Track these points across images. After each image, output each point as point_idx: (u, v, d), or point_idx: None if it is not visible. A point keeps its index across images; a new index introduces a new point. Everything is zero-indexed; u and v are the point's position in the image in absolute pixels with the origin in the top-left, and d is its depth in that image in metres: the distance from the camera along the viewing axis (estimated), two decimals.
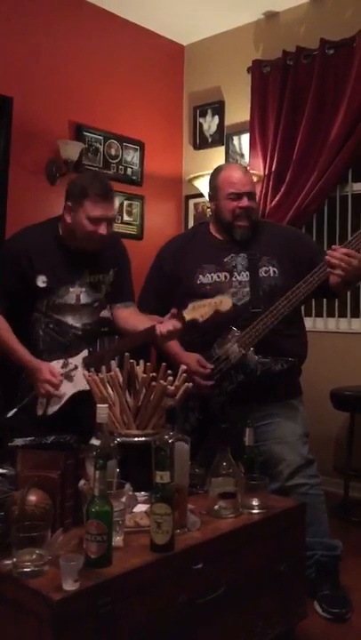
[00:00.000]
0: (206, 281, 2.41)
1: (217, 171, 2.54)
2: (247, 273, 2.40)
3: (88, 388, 2.14)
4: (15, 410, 2.29)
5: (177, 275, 2.47)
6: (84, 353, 2.32)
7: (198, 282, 2.41)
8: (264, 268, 2.41)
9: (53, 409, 2.28)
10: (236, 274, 2.40)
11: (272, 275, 2.41)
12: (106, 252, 2.43)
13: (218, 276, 2.41)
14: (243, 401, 2.32)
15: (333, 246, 2.25)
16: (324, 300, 3.96)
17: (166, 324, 2.16)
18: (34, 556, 1.44)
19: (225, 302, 2.13)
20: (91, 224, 2.27)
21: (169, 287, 2.48)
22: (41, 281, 2.31)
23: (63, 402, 2.28)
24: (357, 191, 3.85)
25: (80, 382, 2.26)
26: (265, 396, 2.36)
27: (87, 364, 2.29)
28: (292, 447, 2.35)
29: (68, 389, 2.28)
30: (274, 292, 2.36)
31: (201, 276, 2.42)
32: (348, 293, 3.85)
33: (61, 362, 2.31)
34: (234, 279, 2.40)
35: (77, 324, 2.38)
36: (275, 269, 2.41)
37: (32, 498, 1.58)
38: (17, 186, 3.55)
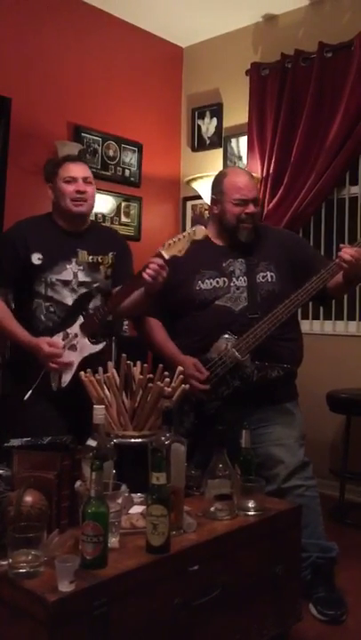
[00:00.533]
0: (205, 287, 2.41)
1: (222, 175, 2.53)
2: (245, 278, 2.40)
3: (94, 350, 2.31)
4: (30, 392, 2.31)
5: (175, 281, 2.42)
6: (80, 320, 2.35)
7: (197, 288, 2.41)
8: (262, 274, 2.42)
9: (66, 380, 2.31)
10: (234, 279, 2.41)
11: (270, 280, 2.42)
12: (103, 236, 2.54)
13: (217, 282, 2.41)
14: (239, 404, 2.32)
15: (342, 245, 2.30)
16: None
17: (150, 266, 2.19)
18: (29, 557, 1.43)
19: (198, 231, 2.20)
20: (68, 185, 2.40)
21: (166, 293, 2.43)
22: (36, 258, 2.37)
23: (74, 370, 2.30)
24: (355, 194, 3.86)
25: (85, 348, 2.33)
26: (261, 399, 2.37)
27: (85, 329, 2.34)
28: (289, 450, 2.35)
29: (75, 358, 2.32)
30: (271, 297, 2.37)
31: (200, 282, 2.41)
32: (346, 296, 3.86)
33: (61, 334, 2.34)
34: (232, 284, 2.40)
35: None
36: (272, 274, 2.42)
37: (28, 498, 1.58)
38: (15, 186, 3.55)
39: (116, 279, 2.51)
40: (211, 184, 2.60)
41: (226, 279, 2.41)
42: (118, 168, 4.19)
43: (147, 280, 2.20)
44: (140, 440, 1.93)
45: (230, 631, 1.75)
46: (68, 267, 2.40)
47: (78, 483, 1.70)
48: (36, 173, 3.67)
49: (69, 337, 2.33)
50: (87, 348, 2.33)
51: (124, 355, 2.05)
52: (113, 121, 4.13)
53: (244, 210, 2.41)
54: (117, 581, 1.44)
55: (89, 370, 2.05)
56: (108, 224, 4.07)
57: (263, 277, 2.42)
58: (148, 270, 2.19)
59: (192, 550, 1.64)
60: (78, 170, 2.45)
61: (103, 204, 4.04)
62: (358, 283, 2.44)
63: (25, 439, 1.87)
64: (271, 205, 3.88)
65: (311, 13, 3.95)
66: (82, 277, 2.41)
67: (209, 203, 3.94)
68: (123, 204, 4.20)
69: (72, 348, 2.33)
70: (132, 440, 1.94)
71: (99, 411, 1.74)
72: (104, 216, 4.07)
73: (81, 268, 2.41)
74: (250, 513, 1.87)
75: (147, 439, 1.90)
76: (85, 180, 2.44)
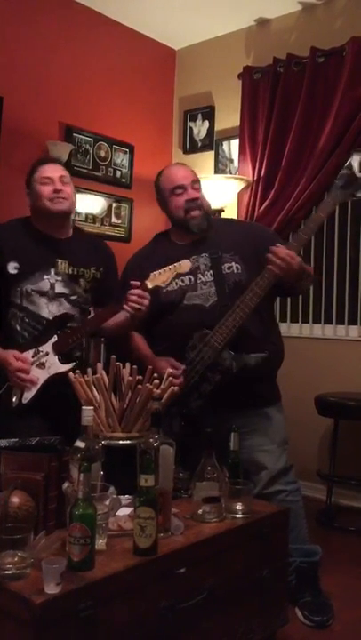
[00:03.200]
0: (172, 288, 2.37)
1: (158, 176, 2.51)
2: (211, 272, 2.38)
3: (61, 370, 2.23)
4: None
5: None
6: (54, 339, 2.30)
7: (165, 290, 2.36)
8: (227, 265, 2.39)
9: (28, 396, 2.26)
10: (200, 275, 2.38)
11: (235, 271, 2.38)
12: (87, 247, 2.46)
13: (182, 281, 2.38)
14: (223, 406, 2.29)
15: (278, 244, 2.28)
16: (310, 306, 3.99)
17: (131, 298, 2.17)
18: (16, 559, 1.42)
19: (184, 264, 2.20)
20: (45, 186, 2.34)
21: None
22: (12, 267, 2.31)
23: (37, 388, 2.26)
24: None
25: (53, 367, 2.27)
26: (245, 402, 2.34)
27: (56, 347, 2.29)
28: (272, 455, 2.33)
29: (41, 375, 2.27)
30: (239, 288, 2.33)
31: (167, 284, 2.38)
32: (334, 300, 3.88)
33: (32, 352, 2.29)
34: (199, 281, 2.37)
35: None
36: (238, 265, 2.39)
37: (15, 499, 1.58)
38: (5, 186, 3.53)
39: (99, 296, 2.45)
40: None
41: (192, 276, 2.38)
42: (109, 169, 4.18)
43: (127, 310, 2.20)
44: (128, 442, 1.92)
45: (217, 634, 1.75)
46: (45, 277, 2.33)
47: (66, 484, 1.69)
48: (26, 173, 3.66)
49: (40, 354, 2.28)
50: (56, 366, 2.27)
51: (113, 356, 2.04)
52: (104, 122, 4.13)
53: (185, 197, 2.38)
54: (104, 584, 1.44)
55: (78, 371, 2.03)
56: (98, 225, 4.07)
57: (229, 268, 2.38)
58: (129, 303, 2.18)
59: (179, 553, 1.64)
60: (53, 169, 2.39)
61: (94, 204, 4.04)
62: (303, 283, 2.38)
63: (13, 440, 1.86)
64: (262, 209, 3.89)
65: (303, 18, 3.97)
66: (59, 289, 2.35)
67: None
68: (113, 205, 4.20)
69: (40, 365, 2.27)
70: (121, 442, 1.93)
71: (87, 412, 1.73)
72: (94, 217, 4.06)
73: (59, 279, 2.35)
74: (238, 516, 1.87)
75: (135, 441, 1.89)
76: (62, 178, 2.37)
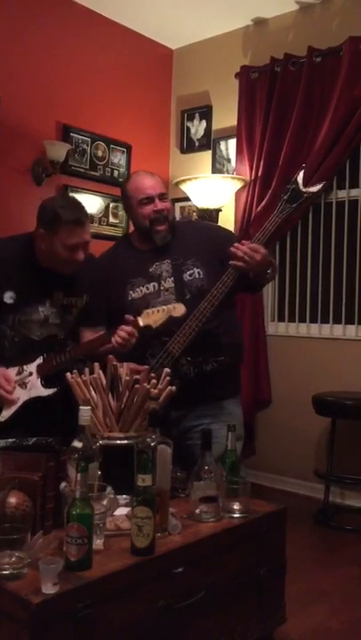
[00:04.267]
0: (136, 295, 2.40)
1: (125, 182, 2.55)
2: (172, 279, 2.40)
3: (42, 394, 2.23)
4: None
5: (109, 294, 2.43)
6: (39, 360, 2.29)
7: (130, 298, 2.39)
8: (189, 272, 2.41)
9: (5, 415, 2.24)
10: (162, 282, 2.40)
11: (197, 277, 2.40)
12: (82, 276, 2.38)
13: (147, 288, 2.41)
14: (183, 402, 2.29)
15: (243, 241, 2.31)
16: (307, 306, 3.99)
17: (121, 332, 2.18)
18: (13, 559, 1.42)
19: (178, 308, 2.19)
20: (67, 251, 2.22)
21: (105, 308, 2.43)
22: (8, 297, 2.28)
23: (17, 407, 2.24)
24: (342, 198, 3.88)
25: (34, 390, 2.26)
26: (203, 398, 2.37)
27: (40, 369, 2.27)
28: (222, 439, 2.31)
29: (21, 395, 2.26)
30: (200, 293, 2.34)
31: (131, 292, 2.41)
32: (332, 299, 3.88)
33: (16, 369, 2.28)
34: (162, 288, 2.40)
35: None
36: (199, 271, 2.41)
37: (12, 500, 1.58)
38: (2, 186, 3.53)
39: (84, 318, 2.41)
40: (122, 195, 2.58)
41: (155, 283, 2.40)
42: (107, 168, 4.18)
43: (114, 345, 2.20)
44: (125, 441, 1.92)
45: (214, 633, 1.75)
46: (40, 309, 2.31)
47: (63, 484, 1.69)
48: (24, 173, 3.67)
49: (23, 373, 2.27)
50: (37, 389, 2.25)
51: (110, 356, 2.04)
52: (102, 121, 4.13)
53: (152, 208, 2.40)
54: (102, 583, 1.44)
55: (75, 371, 2.03)
56: (96, 225, 4.06)
57: (190, 275, 2.41)
58: (117, 338, 2.18)
59: (177, 552, 1.64)
60: (82, 235, 2.24)
61: (91, 204, 4.04)
62: (268, 275, 2.42)
63: (10, 440, 1.86)
64: (260, 208, 3.90)
65: (301, 18, 3.98)
66: (52, 320, 2.33)
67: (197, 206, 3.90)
68: (111, 204, 4.19)
69: (22, 385, 2.26)
70: (118, 441, 1.93)
71: (85, 412, 1.73)
72: (92, 216, 4.06)
73: (53, 310, 2.33)
74: (235, 515, 1.88)
75: (133, 441, 1.89)
76: (85, 245, 2.26)
